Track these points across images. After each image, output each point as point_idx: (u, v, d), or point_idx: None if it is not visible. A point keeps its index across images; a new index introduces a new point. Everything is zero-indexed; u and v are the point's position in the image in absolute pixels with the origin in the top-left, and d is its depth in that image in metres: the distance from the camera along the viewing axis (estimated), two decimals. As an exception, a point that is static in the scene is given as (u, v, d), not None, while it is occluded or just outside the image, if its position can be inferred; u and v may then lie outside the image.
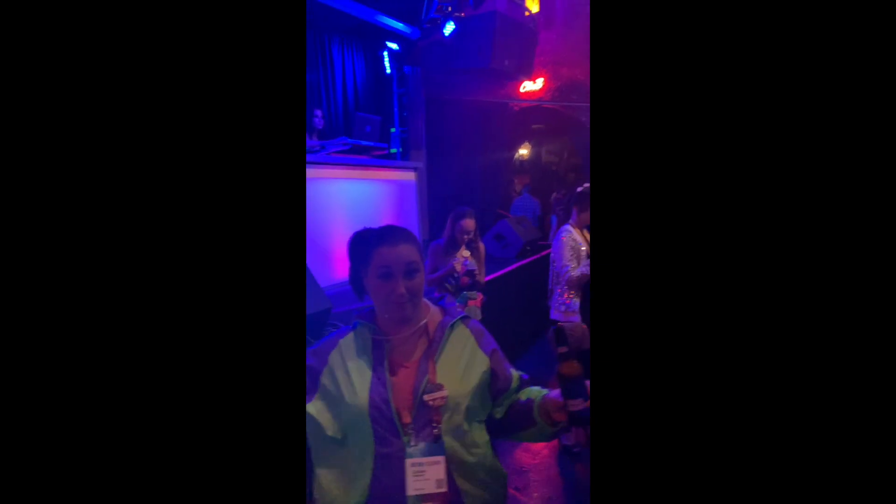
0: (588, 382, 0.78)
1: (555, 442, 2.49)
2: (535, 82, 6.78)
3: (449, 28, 4.19)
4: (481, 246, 2.64)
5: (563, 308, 2.34)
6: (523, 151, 8.37)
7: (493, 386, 0.92)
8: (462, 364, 0.89)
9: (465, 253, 2.48)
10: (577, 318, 2.30)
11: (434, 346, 0.89)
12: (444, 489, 0.81)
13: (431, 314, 0.93)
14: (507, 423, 0.92)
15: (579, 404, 0.78)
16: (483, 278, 2.63)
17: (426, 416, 0.83)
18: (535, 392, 0.89)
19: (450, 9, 4.01)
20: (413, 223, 4.74)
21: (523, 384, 0.94)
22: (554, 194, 6.15)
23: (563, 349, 0.81)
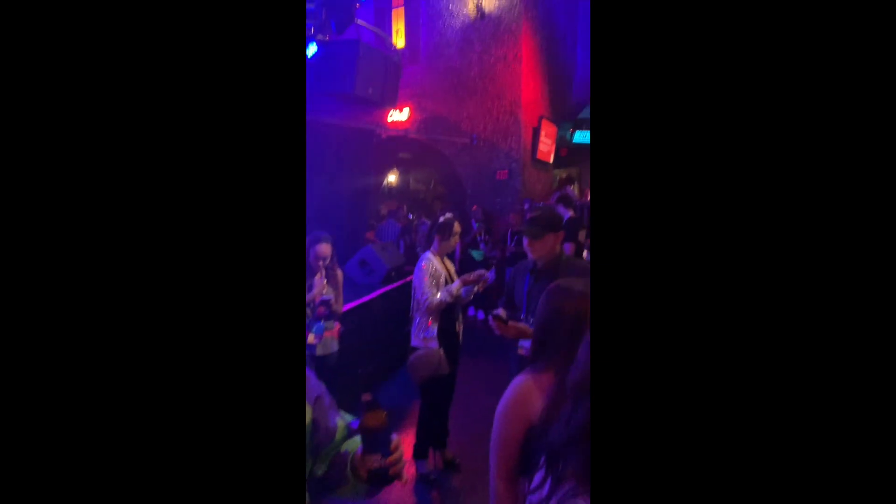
0: (394, 436, 0.73)
1: (412, 470, 2.47)
2: (401, 112, 6.99)
3: (311, 50, 4.09)
4: (339, 273, 2.55)
5: (421, 335, 2.37)
6: (391, 178, 8.50)
7: (312, 438, 0.83)
8: None
9: (323, 285, 2.37)
10: (435, 344, 2.35)
11: None
12: None
13: None
14: (327, 479, 0.83)
15: (376, 461, 0.71)
16: (341, 307, 2.54)
17: None
18: (355, 445, 0.81)
19: (312, 30, 3.92)
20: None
21: (351, 433, 0.85)
22: (413, 221, 6.34)
23: (367, 397, 0.75)
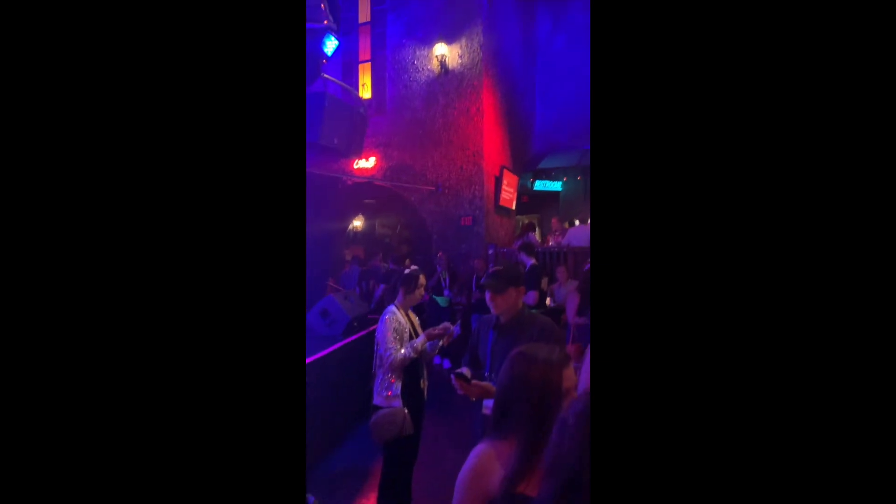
0: None
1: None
2: (367, 160, 7.09)
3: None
4: (299, 329, 2.46)
5: (385, 393, 2.29)
6: (357, 223, 8.49)
7: None
8: None
9: None
10: (399, 402, 2.27)
11: None
12: None
13: None
14: None
15: None
16: (300, 364, 2.44)
17: None
18: None
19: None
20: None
21: None
22: (382, 265, 6.30)
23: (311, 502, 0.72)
